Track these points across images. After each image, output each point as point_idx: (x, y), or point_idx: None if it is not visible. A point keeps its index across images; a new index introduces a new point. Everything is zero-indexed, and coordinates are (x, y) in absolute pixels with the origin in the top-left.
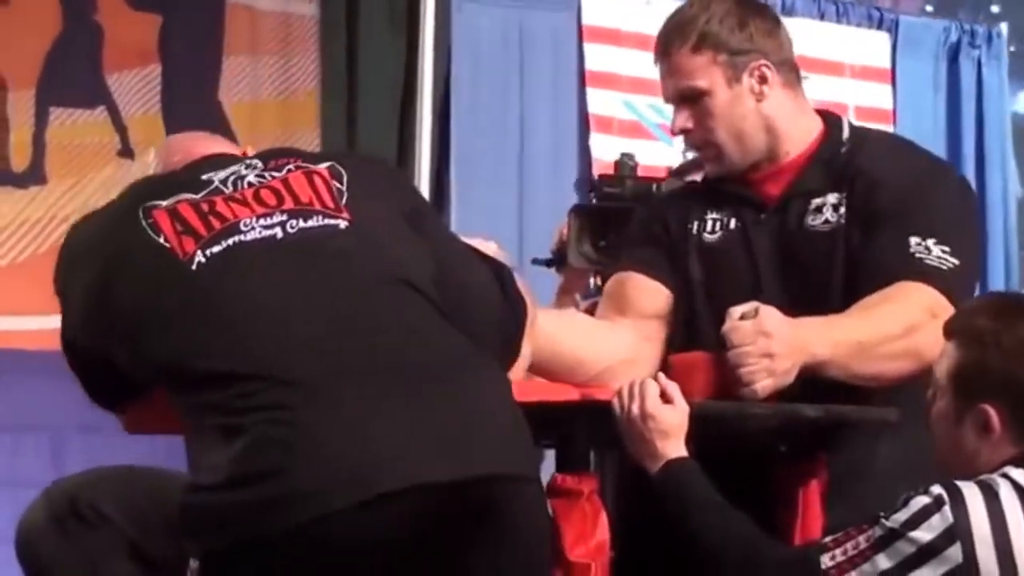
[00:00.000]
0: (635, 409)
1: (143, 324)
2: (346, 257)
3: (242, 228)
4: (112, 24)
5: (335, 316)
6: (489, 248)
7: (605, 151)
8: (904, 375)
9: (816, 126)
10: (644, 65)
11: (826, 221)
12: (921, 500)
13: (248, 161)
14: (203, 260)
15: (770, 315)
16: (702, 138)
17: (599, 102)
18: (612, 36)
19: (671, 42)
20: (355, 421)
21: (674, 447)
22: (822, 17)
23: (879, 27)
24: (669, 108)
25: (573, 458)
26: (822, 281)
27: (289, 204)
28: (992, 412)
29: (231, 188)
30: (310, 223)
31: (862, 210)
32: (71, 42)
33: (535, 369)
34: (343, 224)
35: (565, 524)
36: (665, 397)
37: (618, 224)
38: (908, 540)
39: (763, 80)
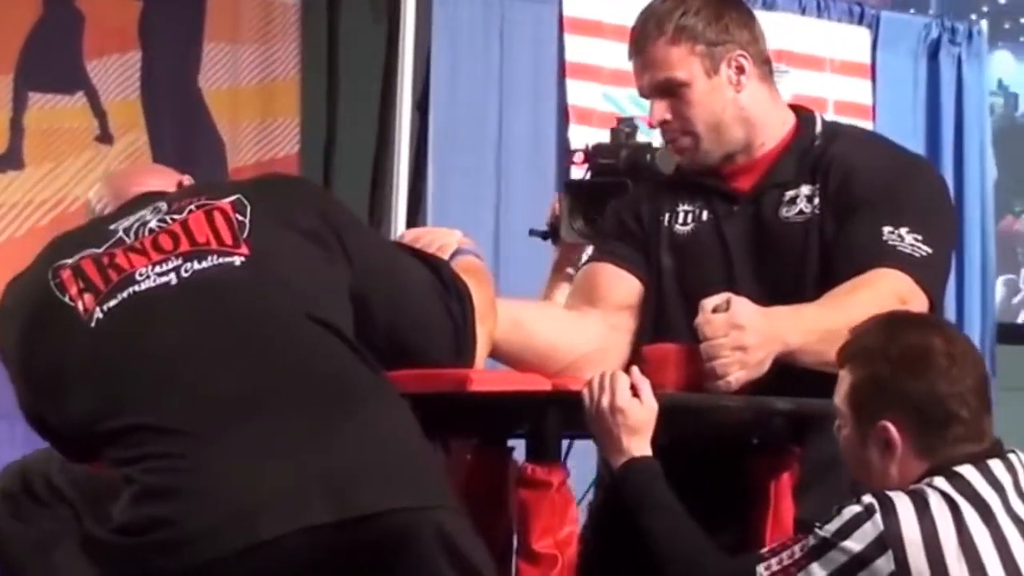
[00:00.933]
0: (604, 402)
1: (57, 385)
2: (238, 296)
3: (137, 278)
4: (92, 9)
5: (224, 359)
6: (452, 237)
7: (584, 142)
8: None
9: (789, 119)
10: (625, 57)
11: (800, 212)
12: (852, 509)
13: (157, 204)
14: (101, 316)
15: (742, 307)
16: (680, 129)
17: (579, 94)
18: (593, 28)
19: (648, 35)
20: (241, 464)
21: (639, 444)
22: (803, 12)
23: (860, 22)
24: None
25: (543, 449)
26: (796, 272)
27: (184, 247)
28: (891, 427)
29: (132, 237)
30: (204, 264)
31: (836, 200)
32: (51, 27)
33: (505, 358)
34: (238, 260)
35: (533, 515)
36: (634, 391)
37: (610, 198)
38: (840, 549)
39: (740, 71)
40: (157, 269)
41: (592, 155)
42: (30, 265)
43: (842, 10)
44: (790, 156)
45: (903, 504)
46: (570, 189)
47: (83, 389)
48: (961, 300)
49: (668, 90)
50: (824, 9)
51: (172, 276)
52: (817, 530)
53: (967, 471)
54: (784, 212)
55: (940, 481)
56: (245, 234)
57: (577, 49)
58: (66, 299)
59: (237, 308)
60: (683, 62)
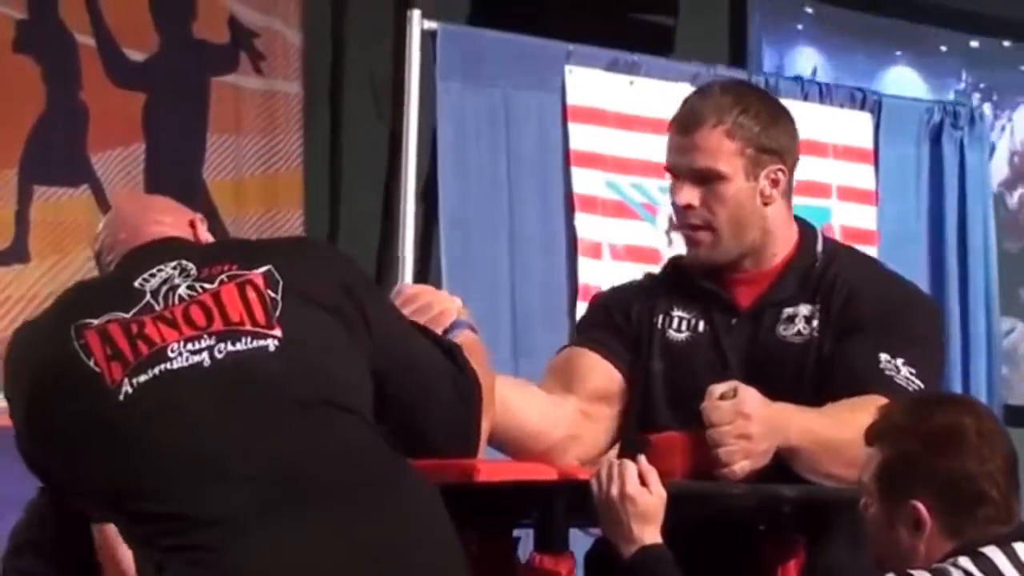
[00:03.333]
0: (614, 491)
1: (73, 447)
2: (273, 385)
3: (169, 354)
4: (96, 102)
5: (260, 449)
6: (453, 303)
7: (590, 231)
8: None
9: (795, 235)
10: (627, 145)
11: (798, 333)
12: None
13: (183, 263)
14: (130, 390)
15: (750, 396)
16: (703, 219)
17: (583, 181)
18: (596, 116)
19: (702, 119)
20: (278, 556)
21: (650, 533)
22: (805, 97)
23: (862, 107)
24: (652, 187)
25: (551, 538)
26: (792, 391)
27: (218, 325)
28: (921, 507)
29: (161, 304)
30: (238, 346)
31: (837, 322)
32: (55, 120)
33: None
34: (272, 345)
35: None
36: (642, 480)
37: None
38: None
39: (775, 184)
40: (190, 347)
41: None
42: (47, 313)
43: (844, 95)
44: (792, 273)
45: None
46: None
47: (106, 459)
48: (967, 385)
49: (704, 179)
50: (826, 95)
51: (206, 356)
52: None
53: (992, 552)
54: (782, 330)
55: (965, 561)
56: (278, 313)
57: (580, 137)
58: (91, 363)
59: (270, 396)
60: (731, 158)
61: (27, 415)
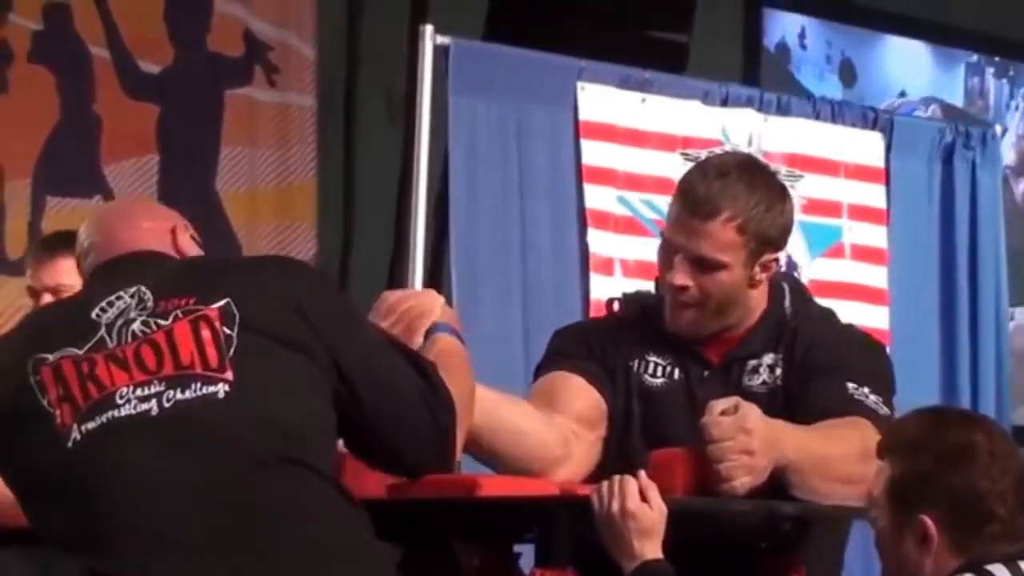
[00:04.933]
0: (615, 507)
1: (28, 489)
2: (217, 436)
3: (118, 400)
4: (110, 114)
5: (195, 504)
6: (435, 303)
7: (602, 246)
8: (846, 501)
9: (766, 298)
10: (638, 161)
11: (763, 383)
12: None
13: (141, 292)
14: (78, 437)
15: (750, 412)
16: (694, 299)
17: (595, 198)
18: (608, 132)
19: (718, 210)
20: None
21: (651, 548)
22: (817, 116)
23: (873, 127)
24: (663, 204)
25: (553, 553)
26: None
27: (168, 369)
28: (929, 522)
29: (115, 340)
30: (187, 394)
31: (798, 368)
32: (69, 131)
33: (487, 455)
34: (222, 391)
35: None
36: (643, 496)
37: None
38: None
39: (765, 270)
40: (138, 392)
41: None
42: (14, 336)
43: (856, 115)
44: (760, 330)
45: None
46: None
47: (56, 509)
48: (976, 403)
49: (705, 266)
50: (838, 114)
51: (154, 404)
52: None
53: (998, 570)
54: (747, 381)
55: None
56: (231, 351)
57: (592, 153)
58: (44, 403)
59: (215, 450)
60: (733, 250)
61: None
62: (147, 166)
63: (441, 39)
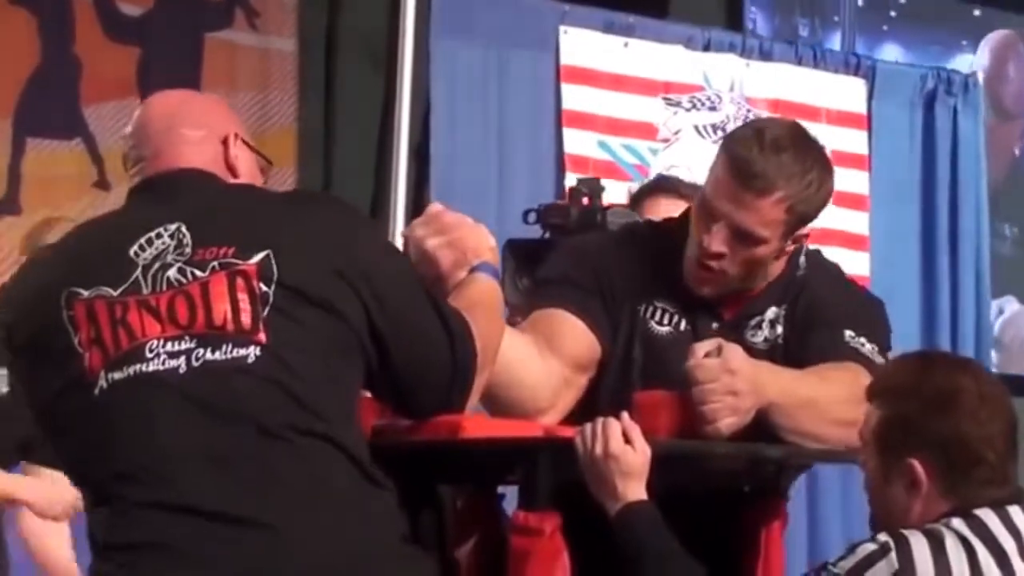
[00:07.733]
0: (598, 449)
1: (53, 424)
2: (244, 403)
3: (147, 354)
4: (90, 56)
5: (215, 470)
6: (485, 241)
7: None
8: (839, 444)
9: (786, 259)
10: (619, 106)
11: (765, 339)
12: (867, 547)
13: (181, 232)
14: (105, 386)
15: (734, 353)
16: (723, 266)
17: (575, 142)
18: (589, 76)
19: (773, 187)
20: None
21: (635, 489)
22: (799, 62)
23: (856, 73)
24: (643, 148)
25: (535, 496)
26: None
27: (200, 325)
28: (918, 466)
29: (149, 286)
30: (216, 355)
31: (800, 322)
32: (49, 73)
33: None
34: (253, 355)
35: (526, 563)
36: (626, 438)
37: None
38: None
39: (795, 242)
40: (168, 347)
41: (543, 214)
42: (48, 259)
43: (838, 60)
44: (774, 287)
45: (919, 544)
46: (514, 248)
47: (77, 452)
48: (955, 346)
49: (742, 237)
50: (820, 59)
51: (182, 362)
52: (831, 567)
53: (986, 515)
54: (749, 336)
55: (958, 522)
56: (265, 312)
57: (573, 97)
58: (76, 342)
59: (238, 420)
60: (778, 227)
61: (16, 367)
62: (127, 109)
63: None
